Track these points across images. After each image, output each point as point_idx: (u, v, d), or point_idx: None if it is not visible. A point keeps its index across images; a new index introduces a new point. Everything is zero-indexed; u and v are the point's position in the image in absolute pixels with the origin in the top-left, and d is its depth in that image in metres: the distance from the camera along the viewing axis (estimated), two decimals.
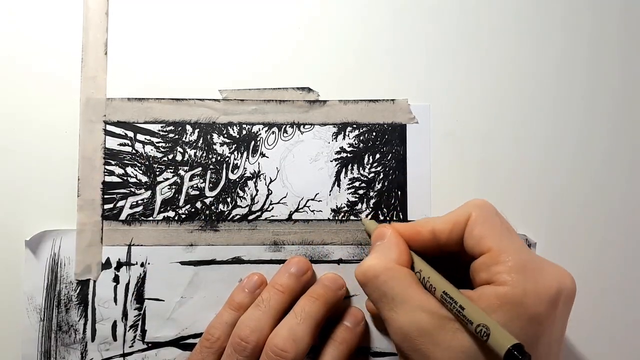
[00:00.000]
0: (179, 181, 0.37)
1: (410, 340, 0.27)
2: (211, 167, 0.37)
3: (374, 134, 0.37)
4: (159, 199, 0.37)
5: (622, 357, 0.33)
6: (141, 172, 0.37)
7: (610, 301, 0.37)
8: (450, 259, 0.31)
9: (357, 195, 0.37)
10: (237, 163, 0.37)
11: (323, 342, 0.34)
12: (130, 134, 0.37)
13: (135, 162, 0.37)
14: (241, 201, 0.37)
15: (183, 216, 0.37)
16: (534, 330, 0.26)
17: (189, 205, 0.37)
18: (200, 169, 0.37)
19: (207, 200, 0.37)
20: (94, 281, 0.36)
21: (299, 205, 0.37)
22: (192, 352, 0.35)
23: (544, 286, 0.27)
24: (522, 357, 0.24)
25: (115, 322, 0.36)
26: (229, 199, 0.37)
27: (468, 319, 0.26)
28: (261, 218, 0.37)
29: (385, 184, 0.37)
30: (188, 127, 0.37)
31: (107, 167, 0.37)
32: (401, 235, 0.31)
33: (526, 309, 0.26)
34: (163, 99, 0.37)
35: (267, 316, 0.33)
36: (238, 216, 0.37)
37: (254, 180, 0.37)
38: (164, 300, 0.36)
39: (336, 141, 0.37)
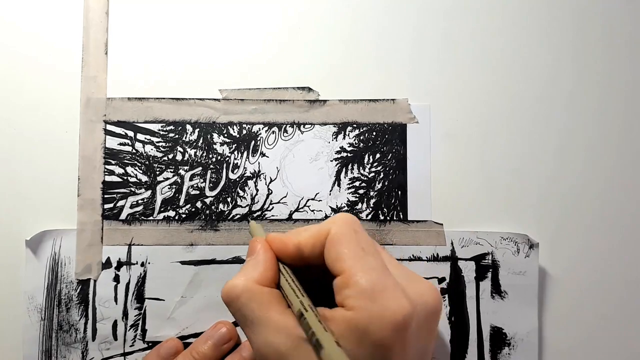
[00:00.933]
0: (179, 181, 0.37)
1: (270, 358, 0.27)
2: (211, 166, 0.37)
3: (374, 133, 0.37)
4: (159, 198, 0.37)
5: (620, 354, 0.33)
6: (141, 171, 0.37)
7: (613, 300, 0.37)
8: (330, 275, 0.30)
9: (357, 195, 0.37)
10: (237, 163, 0.37)
11: None
12: (131, 133, 0.37)
13: (136, 162, 0.37)
14: (241, 201, 0.37)
15: (183, 216, 0.37)
16: (381, 356, 0.26)
17: (189, 205, 0.37)
18: (200, 168, 0.37)
19: (207, 200, 0.37)
20: (95, 281, 0.36)
21: (299, 205, 0.37)
22: None
23: (392, 311, 0.26)
24: None
25: (115, 321, 0.36)
26: (229, 199, 0.37)
27: (307, 330, 0.26)
28: (261, 218, 0.37)
29: (386, 183, 0.37)
30: (188, 126, 0.37)
31: (107, 166, 0.37)
32: (272, 249, 0.30)
33: (370, 335, 0.25)
34: (163, 98, 0.37)
35: None
36: (238, 216, 0.37)
37: (254, 180, 0.37)
38: (164, 300, 0.36)
39: (336, 141, 0.37)
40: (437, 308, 0.28)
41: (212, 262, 0.37)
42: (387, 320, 0.26)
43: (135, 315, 0.36)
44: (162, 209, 0.37)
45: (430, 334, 0.29)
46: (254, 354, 0.28)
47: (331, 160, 0.37)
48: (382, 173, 0.37)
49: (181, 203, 0.37)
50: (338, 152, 0.37)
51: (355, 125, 0.37)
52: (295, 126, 0.37)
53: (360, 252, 0.28)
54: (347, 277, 0.27)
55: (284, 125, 0.37)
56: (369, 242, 0.29)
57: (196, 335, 0.36)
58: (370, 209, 0.37)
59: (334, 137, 0.37)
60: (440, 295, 0.28)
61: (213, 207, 0.37)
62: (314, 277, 0.30)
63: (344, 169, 0.37)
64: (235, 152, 0.37)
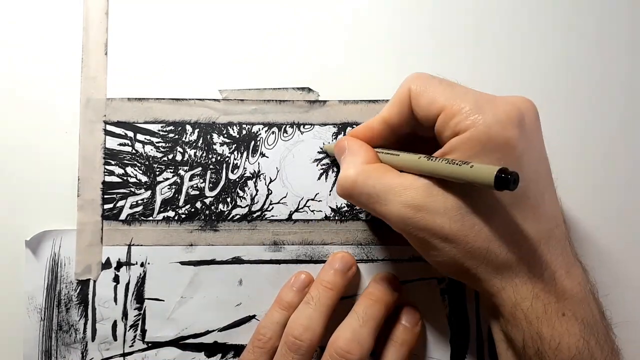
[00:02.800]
0: (179, 181, 0.37)
1: (410, 221, 0.28)
2: (211, 167, 0.37)
3: None
4: (158, 198, 0.37)
5: (628, 358, 0.33)
6: (141, 172, 0.37)
7: (613, 300, 0.37)
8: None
9: None
10: (237, 163, 0.37)
11: (381, 343, 0.34)
12: (130, 134, 0.37)
13: (135, 162, 0.37)
14: (241, 201, 0.37)
15: (183, 216, 0.37)
16: (512, 157, 0.27)
17: (188, 205, 0.37)
18: (200, 168, 0.37)
19: (207, 200, 0.37)
20: (94, 281, 0.36)
21: (298, 205, 0.37)
22: (243, 352, 0.35)
23: (504, 113, 0.27)
24: (510, 176, 0.24)
25: (115, 321, 0.36)
26: (228, 199, 0.37)
27: (454, 162, 0.26)
28: (261, 218, 0.37)
29: None
30: (188, 127, 0.37)
31: (107, 167, 0.37)
32: (359, 138, 0.32)
33: (495, 139, 0.26)
34: (163, 99, 0.37)
35: (318, 314, 0.33)
36: (238, 216, 0.37)
37: (254, 180, 0.37)
38: (164, 300, 0.36)
39: (336, 141, 0.37)
40: (536, 110, 0.29)
41: (212, 262, 0.37)
42: (504, 121, 0.27)
43: (135, 316, 0.36)
44: (161, 209, 0.37)
45: (539, 132, 0.29)
46: (394, 224, 0.29)
47: (331, 161, 0.37)
48: None
49: (181, 203, 0.37)
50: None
51: (355, 126, 0.37)
52: (295, 126, 0.37)
53: (447, 86, 0.29)
54: (449, 109, 0.28)
55: (284, 126, 0.37)
56: (446, 79, 0.30)
57: (196, 335, 0.36)
58: None
59: (333, 137, 0.37)
60: (532, 102, 0.29)
61: (213, 207, 0.37)
62: None
63: None
64: (235, 153, 0.37)
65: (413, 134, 0.32)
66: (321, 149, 0.37)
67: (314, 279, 0.36)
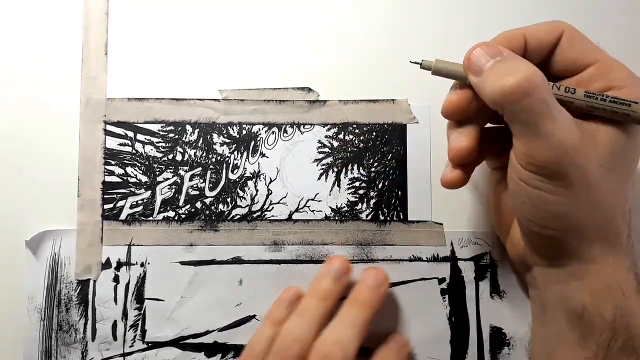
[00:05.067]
0: (179, 181, 0.37)
1: (571, 150, 0.27)
2: (211, 167, 0.37)
3: (374, 134, 0.37)
4: (158, 199, 0.37)
5: None
6: (141, 172, 0.37)
7: None
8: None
9: (357, 195, 0.37)
10: (237, 163, 0.37)
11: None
12: (130, 134, 0.37)
13: (135, 162, 0.37)
14: (241, 201, 0.37)
15: (183, 216, 0.37)
16: None
17: (188, 205, 0.37)
18: (200, 169, 0.37)
19: (207, 200, 0.37)
20: (94, 281, 0.36)
21: (298, 205, 0.37)
22: None
23: None
24: None
25: (115, 321, 0.36)
26: (228, 199, 0.37)
27: (622, 101, 0.27)
28: (261, 218, 0.37)
29: (386, 184, 0.37)
30: (188, 127, 0.37)
31: (107, 167, 0.37)
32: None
33: None
34: (163, 99, 0.37)
35: (310, 325, 0.32)
36: (238, 216, 0.37)
37: (254, 180, 0.37)
38: (164, 300, 0.36)
39: (336, 141, 0.37)
40: None
41: (212, 262, 0.37)
42: None
43: (134, 316, 0.36)
44: (161, 209, 0.37)
45: None
46: (553, 148, 0.27)
47: (331, 161, 0.37)
48: (382, 173, 0.37)
49: (181, 203, 0.37)
50: (338, 152, 0.37)
51: (355, 126, 0.37)
52: (295, 126, 0.37)
53: (604, 52, 0.29)
54: (607, 62, 0.29)
55: (284, 126, 0.37)
56: None
57: (196, 335, 0.36)
58: (370, 209, 0.37)
59: (334, 137, 0.37)
60: None
61: (213, 207, 0.37)
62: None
63: (343, 170, 0.37)
64: (235, 153, 0.37)
65: (491, 115, 0.30)
66: (419, 63, 0.31)
67: (303, 293, 0.35)
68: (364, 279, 0.34)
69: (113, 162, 0.37)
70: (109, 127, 0.37)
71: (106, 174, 0.37)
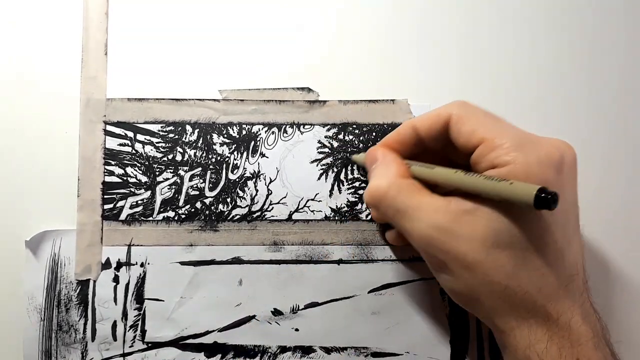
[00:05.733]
0: (178, 181, 0.37)
1: (434, 242, 0.28)
2: (211, 167, 0.37)
3: (374, 134, 0.37)
4: (158, 199, 0.37)
5: (621, 355, 0.33)
6: (141, 172, 0.37)
7: (612, 299, 0.37)
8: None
9: (357, 195, 0.37)
10: (237, 163, 0.37)
11: None
12: (130, 134, 0.37)
13: (135, 162, 0.37)
14: (241, 201, 0.37)
15: (183, 216, 0.37)
16: None
17: (188, 205, 0.37)
18: (200, 169, 0.37)
19: (207, 200, 0.37)
20: (94, 281, 0.36)
21: (298, 205, 0.37)
22: None
23: (546, 154, 0.27)
24: (550, 195, 0.24)
25: (115, 322, 0.36)
26: (228, 199, 0.37)
27: (494, 179, 0.27)
28: (261, 218, 0.37)
29: None
30: (188, 127, 0.37)
31: (107, 167, 0.37)
32: (389, 148, 0.33)
33: (532, 178, 0.26)
34: (163, 99, 0.37)
35: None
36: (238, 216, 0.37)
37: (254, 180, 0.37)
38: (163, 301, 0.36)
39: (336, 141, 0.37)
40: (575, 156, 0.29)
41: (212, 262, 0.37)
42: (545, 164, 0.27)
43: (134, 316, 0.36)
44: (161, 210, 0.37)
45: (574, 180, 0.30)
46: (416, 243, 0.30)
47: (331, 161, 0.37)
48: None
49: (181, 203, 0.37)
50: (338, 152, 0.37)
51: (355, 126, 0.37)
52: (295, 126, 0.37)
53: (492, 119, 0.29)
54: (490, 142, 0.28)
55: (284, 126, 0.37)
56: (492, 112, 0.30)
57: (196, 336, 0.36)
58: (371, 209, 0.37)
59: (334, 137, 0.37)
60: (572, 147, 0.30)
61: (213, 207, 0.37)
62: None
63: (343, 170, 0.37)
64: (235, 153, 0.37)
65: (440, 154, 0.32)
66: (348, 158, 0.37)
67: None
68: None
69: (113, 162, 0.37)
70: (109, 127, 0.37)
71: (106, 174, 0.37)
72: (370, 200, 0.31)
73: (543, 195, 0.24)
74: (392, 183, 0.30)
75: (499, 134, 0.28)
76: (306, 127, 0.37)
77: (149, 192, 0.37)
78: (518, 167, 0.27)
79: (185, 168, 0.37)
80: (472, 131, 0.29)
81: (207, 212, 0.37)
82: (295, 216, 0.37)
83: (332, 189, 0.37)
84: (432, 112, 0.31)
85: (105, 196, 0.37)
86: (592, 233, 0.37)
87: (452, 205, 0.28)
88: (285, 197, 0.37)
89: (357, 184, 0.37)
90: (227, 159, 0.37)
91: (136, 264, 0.36)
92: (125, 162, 0.37)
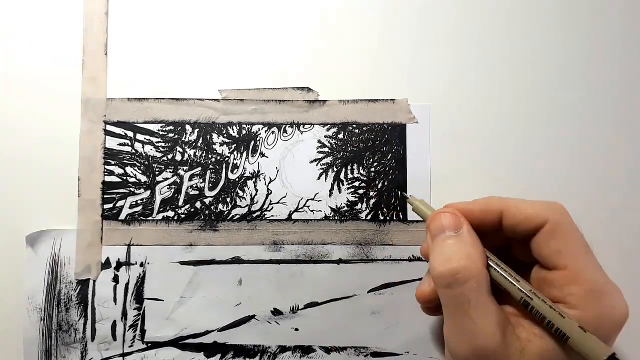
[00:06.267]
0: (178, 181, 0.37)
1: (480, 356, 0.26)
2: (211, 167, 0.37)
3: (374, 134, 0.37)
4: (158, 199, 0.37)
5: (621, 355, 0.33)
6: (141, 172, 0.37)
7: None
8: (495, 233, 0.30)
9: (357, 195, 0.37)
10: (237, 163, 0.37)
11: None
12: (130, 134, 0.37)
13: (135, 162, 0.37)
14: (241, 201, 0.37)
15: (183, 216, 0.37)
16: None
17: (188, 205, 0.37)
18: (200, 169, 0.37)
19: (207, 200, 0.37)
20: (94, 281, 0.36)
21: (298, 205, 0.37)
22: None
23: (618, 312, 0.26)
24: None
25: (115, 322, 0.36)
26: (228, 199, 0.37)
27: (559, 329, 0.26)
28: (261, 218, 0.37)
29: (385, 184, 0.37)
30: (188, 127, 0.37)
31: (107, 167, 0.37)
32: (467, 218, 0.29)
33: (597, 333, 0.25)
34: (163, 99, 0.37)
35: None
36: (238, 216, 0.37)
37: (254, 180, 0.37)
38: (163, 300, 0.36)
39: (336, 141, 0.37)
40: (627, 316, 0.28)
41: (212, 262, 0.37)
42: (615, 321, 0.26)
43: (134, 316, 0.36)
44: (161, 210, 0.37)
45: None
46: (460, 345, 0.27)
47: (331, 161, 0.37)
48: (382, 173, 0.37)
49: (180, 203, 0.37)
50: (338, 152, 0.37)
51: (355, 126, 0.37)
52: (295, 126, 0.37)
53: (584, 249, 0.27)
54: (574, 274, 0.26)
55: (284, 126, 0.37)
56: (584, 240, 0.28)
57: (196, 336, 0.36)
58: (370, 209, 0.37)
59: (334, 137, 0.37)
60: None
61: (212, 207, 0.37)
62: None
63: (343, 170, 0.37)
64: (235, 153, 0.37)
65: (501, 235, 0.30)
66: (405, 196, 0.35)
67: None
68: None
69: (113, 162, 0.37)
70: (109, 127, 0.37)
71: (106, 174, 0.37)
72: (446, 277, 0.27)
73: None
74: (479, 273, 0.26)
75: (583, 270, 0.26)
76: (306, 127, 0.37)
77: (148, 192, 0.37)
78: (588, 316, 0.26)
79: (185, 168, 0.37)
80: (560, 251, 0.27)
81: (207, 212, 0.37)
82: (295, 216, 0.37)
83: (332, 188, 0.37)
84: (527, 209, 0.28)
85: (105, 196, 0.37)
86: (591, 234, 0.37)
87: (509, 329, 0.26)
88: (285, 197, 0.37)
89: (357, 183, 0.37)
90: (227, 158, 0.37)
91: (136, 264, 0.36)
92: (125, 162, 0.37)
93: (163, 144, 0.37)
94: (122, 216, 0.37)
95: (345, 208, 0.37)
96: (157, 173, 0.37)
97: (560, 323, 0.26)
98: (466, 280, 0.26)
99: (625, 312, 0.26)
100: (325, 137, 0.37)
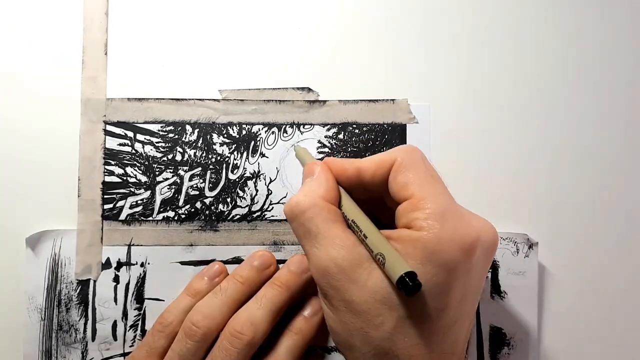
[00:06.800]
0: (178, 181, 0.37)
1: (328, 276, 0.28)
2: (211, 167, 0.37)
3: (374, 134, 0.37)
4: (158, 199, 0.37)
5: (619, 354, 0.33)
6: (141, 172, 0.37)
7: (609, 299, 0.37)
8: (381, 204, 0.31)
9: None
10: (236, 163, 0.37)
11: (280, 332, 0.34)
12: (130, 134, 0.37)
13: (135, 162, 0.37)
14: (241, 201, 0.37)
15: (183, 216, 0.37)
16: (445, 277, 0.26)
17: (188, 205, 0.37)
18: (200, 169, 0.37)
19: (207, 200, 0.37)
20: (94, 281, 0.36)
21: None
22: (144, 336, 0.35)
23: (461, 234, 0.27)
24: (412, 283, 0.24)
25: (115, 321, 0.36)
26: (228, 199, 0.37)
27: (369, 247, 0.27)
28: (261, 218, 0.37)
29: None
30: (188, 127, 0.37)
31: (107, 167, 0.37)
32: (331, 169, 0.31)
33: (439, 255, 0.26)
34: (163, 99, 0.37)
35: (222, 304, 0.33)
36: (238, 216, 0.37)
37: (254, 180, 0.37)
38: (164, 300, 0.36)
39: (336, 141, 0.37)
40: (495, 242, 0.29)
41: (212, 262, 0.37)
42: (457, 243, 0.26)
43: (135, 316, 0.36)
44: (161, 210, 0.37)
45: (486, 267, 0.29)
46: (313, 268, 0.29)
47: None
48: None
49: (180, 203, 0.37)
50: (338, 153, 0.37)
51: (355, 126, 0.37)
52: (295, 126, 0.37)
53: (429, 178, 0.29)
54: (417, 200, 0.27)
55: (284, 126, 0.37)
56: (435, 173, 0.29)
57: None
58: None
59: (334, 137, 0.37)
60: (497, 235, 0.29)
61: (213, 207, 0.37)
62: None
63: None
64: (235, 153, 0.37)
65: (378, 194, 0.31)
66: (293, 147, 0.37)
67: (227, 271, 0.36)
68: (288, 264, 0.35)
69: (113, 162, 0.37)
70: (109, 127, 0.37)
71: (106, 174, 0.37)
72: (287, 212, 0.30)
73: (407, 279, 0.25)
74: (315, 204, 0.29)
75: (428, 196, 0.27)
76: (306, 127, 0.37)
77: (148, 192, 0.37)
78: (429, 237, 0.26)
79: (185, 168, 0.37)
80: (405, 184, 0.28)
81: (207, 212, 0.37)
82: None
83: None
84: (380, 156, 0.30)
85: (105, 196, 0.37)
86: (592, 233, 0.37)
87: (360, 248, 0.28)
88: (285, 197, 0.37)
89: None
90: (227, 158, 0.37)
91: (136, 263, 0.36)
92: (125, 162, 0.37)
93: (163, 144, 0.37)
94: (122, 216, 0.37)
95: None
96: (157, 173, 0.37)
97: (375, 243, 0.27)
98: (302, 211, 0.29)
99: (469, 236, 0.27)
100: (325, 137, 0.37)
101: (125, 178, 0.37)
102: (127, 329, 0.36)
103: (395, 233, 0.28)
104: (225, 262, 0.37)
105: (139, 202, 0.37)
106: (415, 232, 0.27)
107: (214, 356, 0.32)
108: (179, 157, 0.37)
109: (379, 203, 0.31)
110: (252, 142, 0.37)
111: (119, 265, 0.36)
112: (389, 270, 0.26)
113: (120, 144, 0.37)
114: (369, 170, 0.30)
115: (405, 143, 0.37)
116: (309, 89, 0.38)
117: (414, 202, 0.28)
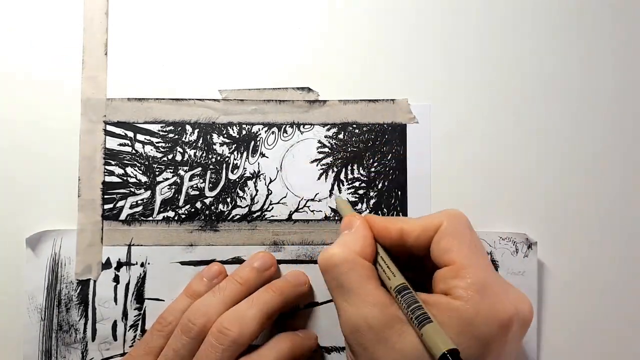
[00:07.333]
0: (178, 181, 0.37)
1: (358, 334, 0.28)
2: (211, 167, 0.37)
3: (374, 134, 0.37)
4: (158, 199, 0.37)
5: (619, 354, 0.33)
6: (141, 172, 0.37)
7: (608, 299, 0.37)
8: (419, 264, 0.31)
9: (357, 195, 0.37)
10: (237, 163, 0.37)
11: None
12: (130, 134, 0.37)
13: (135, 162, 0.37)
14: (241, 201, 0.37)
15: (183, 216, 0.37)
16: (480, 351, 0.26)
17: (188, 205, 0.37)
18: (200, 169, 0.37)
19: (207, 200, 0.37)
20: (94, 281, 0.36)
21: (298, 205, 0.37)
22: (143, 335, 0.35)
23: (500, 309, 0.27)
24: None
25: (115, 321, 0.36)
26: (228, 199, 0.37)
27: (411, 315, 0.26)
28: (261, 218, 0.37)
29: (385, 184, 0.37)
30: (188, 127, 0.37)
31: (107, 167, 0.37)
32: (370, 228, 0.31)
33: (476, 327, 0.26)
34: (163, 99, 0.37)
35: (219, 302, 0.33)
36: (238, 216, 0.37)
37: (254, 180, 0.37)
38: (164, 300, 0.36)
39: (336, 141, 0.37)
40: (530, 318, 0.29)
41: (212, 262, 0.37)
42: (495, 317, 0.26)
43: (135, 316, 0.36)
44: (161, 210, 0.37)
45: (520, 342, 0.29)
46: (343, 324, 0.29)
47: (330, 161, 0.37)
48: (382, 173, 0.37)
49: (181, 203, 0.37)
50: (338, 152, 0.37)
51: (355, 126, 0.37)
52: (295, 126, 0.37)
53: (473, 248, 0.28)
54: (458, 268, 0.27)
55: (284, 126, 0.37)
56: (479, 242, 0.29)
57: None
58: (370, 209, 0.37)
59: (334, 137, 0.37)
60: (532, 308, 0.29)
61: (213, 207, 0.37)
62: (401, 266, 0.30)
63: (343, 170, 0.37)
64: (235, 153, 0.37)
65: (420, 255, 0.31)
66: (333, 195, 0.37)
67: (226, 272, 0.36)
68: (285, 275, 0.36)
69: (113, 162, 0.37)
70: (109, 127, 0.37)
71: (106, 174, 0.37)
72: (321, 264, 0.30)
73: (449, 357, 0.24)
74: (350, 259, 0.29)
75: (470, 266, 0.27)
76: (306, 127, 0.37)
77: (148, 192, 0.37)
78: (468, 308, 0.26)
79: (185, 168, 0.37)
80: (448, 249, 0.28)
81: (207, 212, 0.37)
82: (295, 216, 0.37)
83: (332, 189, 0.37)
84: (425, 219, 0.30)
85: (105, 196, 0.37)
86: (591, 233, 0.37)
87: (392, 308, 0.27)
88: (285, 197, 0.37)
89: (357, 183, 0.37)
90: (227, 159, 0.37)
91: (136, 263, 0.36)
92: (125, 162, 0.37)
93: (163, 144, 0.37)
94: (122, 216, 0.37)
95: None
96: (157, 173, 0.37)
97: (422, 313, 0.26)
98: (335, 264, 0.29)
99: (507, 312, 0.27)
100: (325, 137, 0.37)
101: (125, 178, 0.37)
102: (127, 329, 0.36)
103: (432, 298, 0.27)
104: (225, 262, 0.37)
105: (139, 202, 0.37)
106: (453, 300, 0.26)
107: (200, 352, 0.32)
108: (179, 157, 0.37)
109: (415, 264, 0.31)
110: (252, 142, 0.37)
111: (119, 265, 0.36)
112: (428, 341, 0.25)
113: (120, 144, 0.37)
114: (413, 232, 0.30)
115: (406, 143, 0.37)
116: (309, 89, 0.38)
117: (454, 270, 0.27)
